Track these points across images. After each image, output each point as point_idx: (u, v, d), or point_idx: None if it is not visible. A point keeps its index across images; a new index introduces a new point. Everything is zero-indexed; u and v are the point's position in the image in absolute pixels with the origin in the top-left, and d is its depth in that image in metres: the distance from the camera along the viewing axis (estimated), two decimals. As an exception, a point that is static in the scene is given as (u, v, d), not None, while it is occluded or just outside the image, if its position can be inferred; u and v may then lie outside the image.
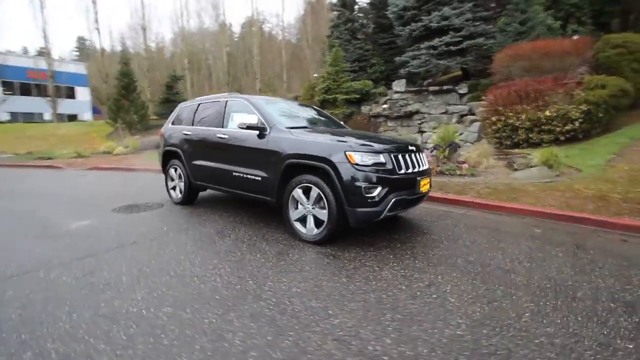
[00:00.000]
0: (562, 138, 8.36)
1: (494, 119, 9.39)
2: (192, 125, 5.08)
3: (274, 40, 34.50)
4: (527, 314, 2.18)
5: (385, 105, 16.63)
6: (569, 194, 5.09)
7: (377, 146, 3.34)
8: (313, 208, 3.47)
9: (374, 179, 3.19)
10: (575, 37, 10.36)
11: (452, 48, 15.95)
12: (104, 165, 10.43)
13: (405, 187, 3.40)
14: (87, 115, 37.60)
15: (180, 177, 5.27)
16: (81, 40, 54.57)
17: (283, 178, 3.66)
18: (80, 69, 38.22)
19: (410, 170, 3.46)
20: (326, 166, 3.27)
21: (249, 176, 4.04)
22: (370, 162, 3.21)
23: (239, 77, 30.38)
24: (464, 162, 6.97)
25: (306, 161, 3.43)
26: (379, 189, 3.20)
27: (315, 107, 5.41)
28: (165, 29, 68.95)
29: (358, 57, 20.84)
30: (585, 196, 4.97)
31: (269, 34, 37.43)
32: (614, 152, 6.91)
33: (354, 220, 3.27)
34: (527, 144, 8.96)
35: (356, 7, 22.93)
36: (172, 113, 5.75)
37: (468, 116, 13.24)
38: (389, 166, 3.29)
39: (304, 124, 4.38)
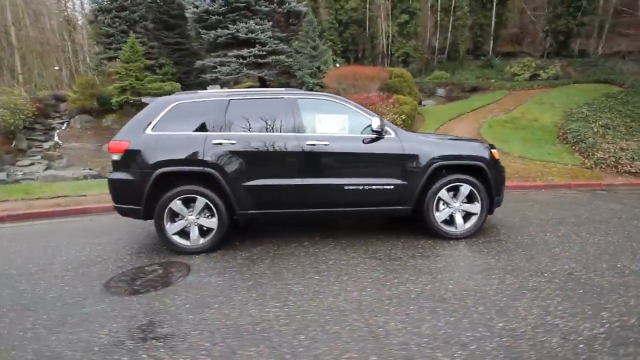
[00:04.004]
0: (391, 139, 11.61)
1: (346, 125, 11.46)
2: (225, 130, 3.49)
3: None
4: None
5: (204, 112, 15.46)
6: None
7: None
8: (461, 205, 3.70)
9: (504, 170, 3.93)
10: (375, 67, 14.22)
11: (260, 60, 17.12)
12: None
13: None
14: None
15: (204, 211, 3.47)
16: None
17: (427, 182, 3.59)
18: None
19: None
20: (481, 164, 3.63)
21: (375, 187, 3.53)
22: (499, 156, 3.89)
23: None
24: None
25: (463, 162, 3.61)
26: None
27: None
28: None
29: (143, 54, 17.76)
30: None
31: None
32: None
33: (494, 208, 3.84)
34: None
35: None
36: (148, 113, 3.55)
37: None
38: (496, 159, 4.10)
39: None
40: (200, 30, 16.87)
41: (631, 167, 7.11)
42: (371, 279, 2.76)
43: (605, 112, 10.27)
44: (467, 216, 3.74)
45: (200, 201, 3.44)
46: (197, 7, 16.44)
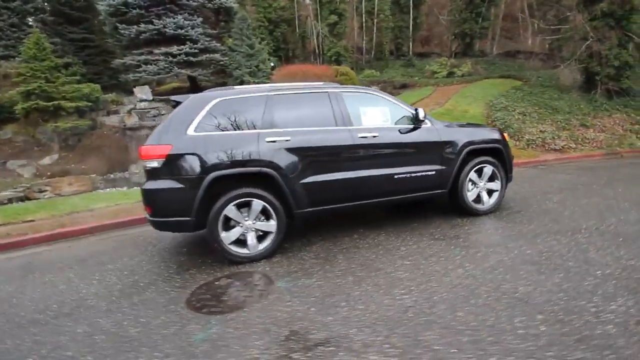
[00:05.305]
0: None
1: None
2: (273, 126, 3.31)
3: None
4: None
5: (135, 116, 13.85)
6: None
7: (492, 128, 4.60)
8: (485, 184, 4.14)
9: (508, 150, 4.51)
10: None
11: (192, 59, 16.03)
12: None
13: None
14: None
15: (260, 215, 3.25)
16: None
17: (460, 166, 3.93)
18: None
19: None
20: (500, 146, 4.12)
21: (420, 174, 3.75)
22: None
23: None
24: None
25: (486, 145, 4.04)
26: (508, 157, 4.55)
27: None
28: None
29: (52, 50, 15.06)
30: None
31: None
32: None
33: (508, 184, 4.38)
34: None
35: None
36: (186, 112, 3.15)
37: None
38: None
39: None
40: (117, 25, 14.99)
41: (555, 145, 8.70)
42: (459, 256, 2.96)
43: (519, 102, 12.27)
44: (489, 193, 4.21)
45: (257, 204, 3.20)
46: (112, -2, 14.56)
